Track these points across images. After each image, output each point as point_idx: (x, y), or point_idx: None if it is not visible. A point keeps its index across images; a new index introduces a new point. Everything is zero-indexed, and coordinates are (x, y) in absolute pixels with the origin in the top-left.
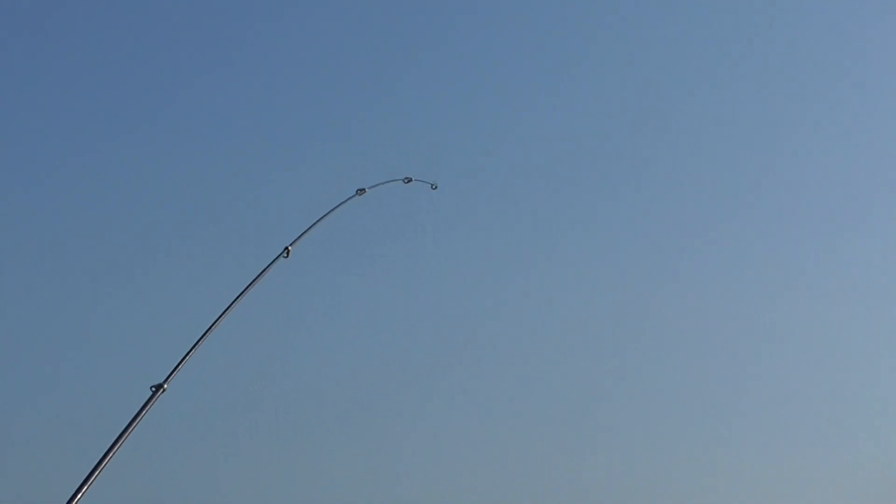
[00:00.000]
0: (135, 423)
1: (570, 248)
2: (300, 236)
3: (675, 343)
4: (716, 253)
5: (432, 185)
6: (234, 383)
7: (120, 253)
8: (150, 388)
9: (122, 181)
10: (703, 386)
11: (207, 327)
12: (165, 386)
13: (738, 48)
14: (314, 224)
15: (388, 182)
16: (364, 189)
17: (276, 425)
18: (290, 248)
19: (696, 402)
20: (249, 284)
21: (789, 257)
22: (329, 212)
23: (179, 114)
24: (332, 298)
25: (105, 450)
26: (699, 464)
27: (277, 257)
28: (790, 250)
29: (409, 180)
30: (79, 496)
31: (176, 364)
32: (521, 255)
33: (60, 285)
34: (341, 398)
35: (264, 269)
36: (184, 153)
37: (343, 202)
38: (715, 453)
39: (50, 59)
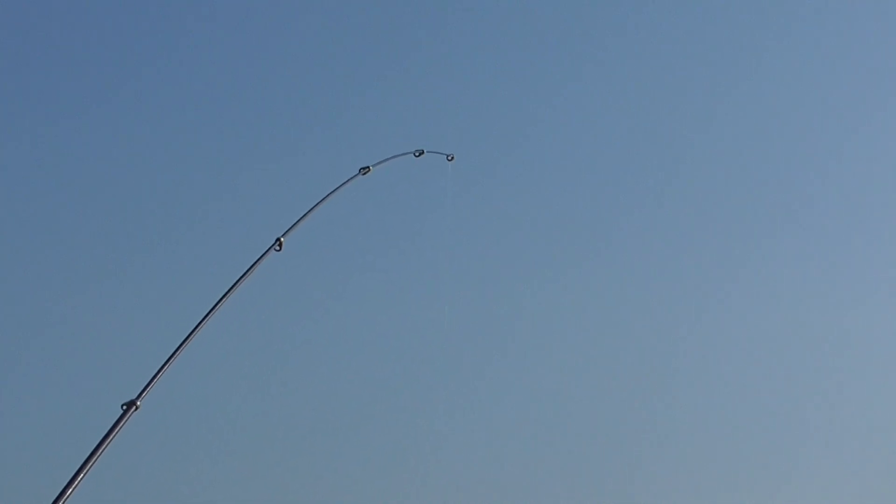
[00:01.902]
0: (104, 446)
1: (606, 245)
2: (294, 225)
3: (707, 357)
4: (763, 261)
5: (448, 155)
6: (219, 399)
7: (86, 252)
8: (121, 405)
9: (84, 168)
10: (726, 392)
11: (186, 335)
12: (139, 403)
13: (780, 45)
14: (310, 210)
15: (397, 156)
16: (368, 167)
17: (269, 441)
18: (282, 239)
19: (728, 409)
20: (235, 283)
21: (846, 266)
22: (327, 195)
23: (141, 88)
24: (331, 297)
25: (70, 476)
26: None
27: (268, 250)
28: (845, 258)
29: (421, 153)
30: None
31: (150, 378)
32: (550, 251)
33: (19, 288)
34: (342, 407)
35: (252, 265)
36: (152, 134)
37: (344, 183)
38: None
39: (48, 35)
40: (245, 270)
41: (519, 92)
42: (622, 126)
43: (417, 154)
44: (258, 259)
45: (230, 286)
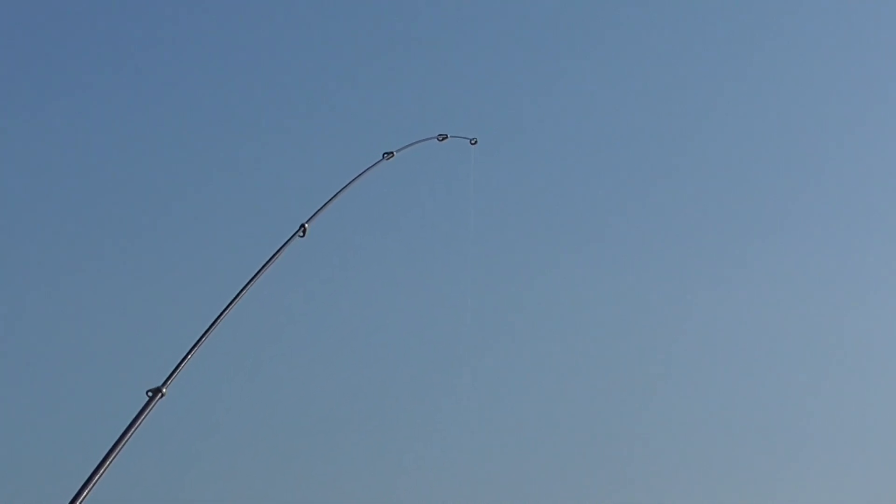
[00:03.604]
0: (129, 433)
1: (607, 244)
2: (318, 211)
3: (710, 348)
4: (768, 254)
5: (471, 139)
6: (244, 385)
7: (111, 239)
8: (147, 392)
9: (106, 154)
10: (729, 387)
11: (211, 322)
12: (164, 390)
13: (780, 45)
14: (334, 196)
15: (421, 141)
16: (392, 152)
17: (295, 429)
18: (306, 225)
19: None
20: (260, 270)
21: (846, 266)
22: (351, 181)
23: (166, 67)
24: (356, 283)
25: (97, 463)
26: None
27: (292, 237)
28: (845, 258)
29: (445, 137)
30: None
31: (176, 365)
32: (550, 249)
33: (46, 276)
34: (366, 396)
35: (277, 252)
36: (179, 120)
37: (367, 169)
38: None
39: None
40: (269, 257)
41: (520, 90)
42: (624, 122)
43: (441, 138)
44: (282, 245)
45: (255, 273)
